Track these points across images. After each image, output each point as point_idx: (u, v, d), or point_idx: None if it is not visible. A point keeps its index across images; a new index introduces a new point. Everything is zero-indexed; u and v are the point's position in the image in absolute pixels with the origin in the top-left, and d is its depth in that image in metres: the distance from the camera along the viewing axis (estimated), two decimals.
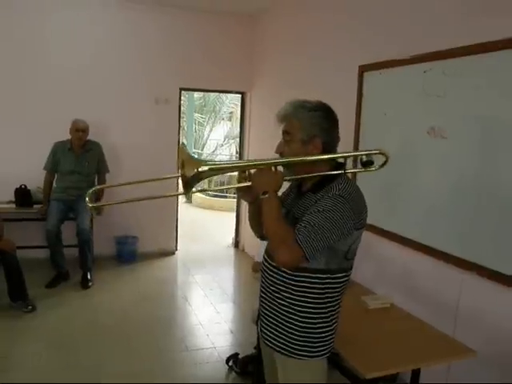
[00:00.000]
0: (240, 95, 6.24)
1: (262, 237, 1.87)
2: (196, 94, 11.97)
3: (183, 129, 12.34)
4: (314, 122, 1.67)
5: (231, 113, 13.67)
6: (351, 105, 3.63)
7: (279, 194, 1.72)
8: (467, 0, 2.65)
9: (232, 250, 6.39)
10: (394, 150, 3.21)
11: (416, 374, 2.10)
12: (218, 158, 12.20)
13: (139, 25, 5.47)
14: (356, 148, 3.60)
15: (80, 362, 3.28)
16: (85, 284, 4.64)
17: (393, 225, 3.24)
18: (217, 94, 11.25)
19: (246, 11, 5.63)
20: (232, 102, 12.34)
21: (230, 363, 3.28)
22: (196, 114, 12.50)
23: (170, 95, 5.67)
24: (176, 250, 6.05)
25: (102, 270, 5.14)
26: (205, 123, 12.76)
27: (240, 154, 6.47)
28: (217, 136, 13.20)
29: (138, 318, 4.04)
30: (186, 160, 1.64)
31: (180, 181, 1.64)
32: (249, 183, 1.71)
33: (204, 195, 9.30)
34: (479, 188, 2.55)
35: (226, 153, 12.98)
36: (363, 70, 3.55)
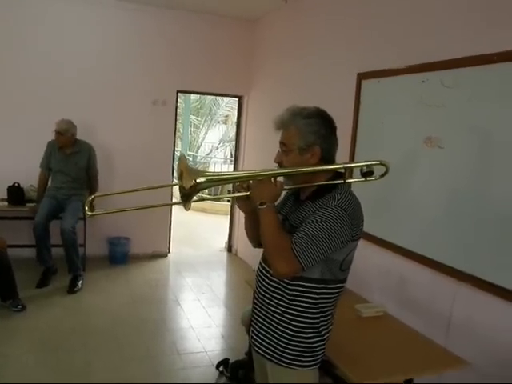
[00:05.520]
0: (237, 99, 6.24)
1: (258, 245, 1.86)
2: (193, 97, 11.95)
3: (179, 131, 12.34)
4: (311, 130, 1.66)
5: (227, 116, 13.66)
6: (348, 112, 3.63)
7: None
8: (467, 11, 2.66)
9: (225, 254, 6.37)
10: (391, 160, 3.20)
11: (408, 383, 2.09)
12: (212, 161, 12.19)
13: (138, 26, 5.45)
14: (352, 157, 3.61)
15: (69, 363, 3.24)
16: (71, 289, 4.50)
17: (388, 234, 3.24)
18: (213, 96, 11.23)
19: (246, 16, 5.64)
20: (228, 105, 12.34)
21: (221, 368, 3.26)
22: (192, 116, 12.47)
23: (167, 97, 5.65)
24: (168, 252, 6.02)
25: (93, 270, 5.11)
26: (200, 125, 12.74)
27: (235, 157, 6.46)
28: (212, 139, 13.18)
29: (129, 320, 4.01)
30: (184, 171, 1.61)
31: (178, 191, 1.62)
32: (247, 193, 1.69)
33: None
34: (475, 199, 2.55)
35: (221, 156, 12.96)
36: (361, 77, 3.56)
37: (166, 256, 5.96)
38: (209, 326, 4.06)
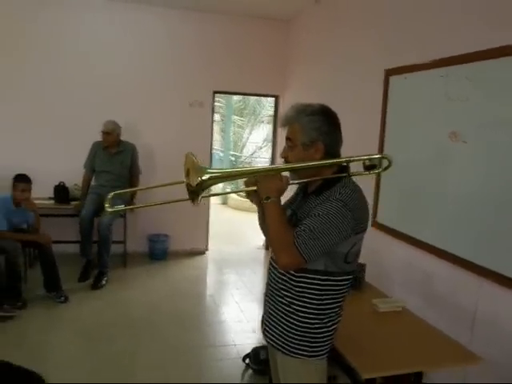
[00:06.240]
0: (273, 98, 6.30)
1: None
2: (236, 97, 12.08)
3: (223, 131, 12.52)
4: (314, 126, 1.70)
5: (271, 116, 13.70)
6: (377, 108, 3.63)
7: (287, 197, 1.76)
8: (491, 4, 2.61)
9: (262, 252, 6.45)
10: (417, 154, 3.20)
11: (419, 377, 2.09)
12: (257, 161, 12.28)
13: (174, 29, 5.64)
14: (381, 151, 3.60)
15: (108, 351, 3.43)
16: (95, 284, 4.63)
17: (411, 228, 3.22)
18: (257, 97, 11.31)
19: (279, 16, 5.71)
20: (272, 105, 12.38)
21: (247, 361, 3.34)
22: (235, 117, 12.61)
23: (203, 98, 5.81)
24: (206, 249, 6.17)
25: (134, 266, 5.35)
26: (244, 126, 12.87)
27: (272, 156, 6.52)
28: (256, 139, 13.28)
29: (166, 313, 4.17)
30: (190, 168, 1.64)
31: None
32: (254, 188, 1.73)
33: (240, 197, 9.38)
34: (500, 194, 2.50)
35: (265, 156, 13.03)
36: (389, 74, 3.55)
37: (204, 253, 6.11)
38: (240, 320, 4.16)
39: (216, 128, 12.61)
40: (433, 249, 2.97)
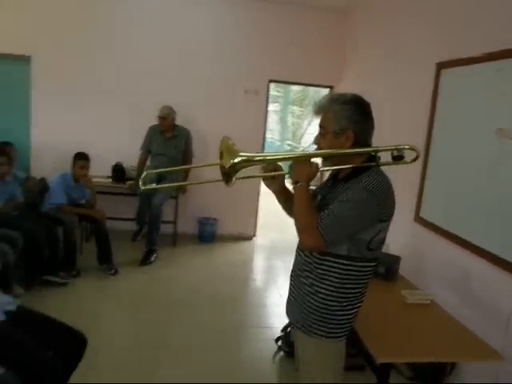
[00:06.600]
0: (328, 89, 6.28)
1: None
2: (295, 87, 12.10)
3: (281, 121, 12.59)
4: (345, 115, 1.74)
5: None
6: (426, 102, 3.57)
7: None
8: None
9: None
10: (465, 150, 3.13)
11: (438, 369, 2.09)
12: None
13: (232, 18, 5.75)
14: (428, 145, 3.54)
15: (150, 322, 3.68)
16: (143, 261, 4.88)
17: (456, 226, 3.16)
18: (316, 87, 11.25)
19: (336, 6, 5.67)
20: None
21: (279, 343, 3.43)
22: (294, 107, 12.65)
23: (258, 86, 5.90)
24: (254, 235, 6.30)
25: (182, 246, 5.59)
26: (303, 116, 12.87)
27: None
28: (315, 129, 13.24)
29: (208, 293, 4.34)
30: (224, 151, 1.75)
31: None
32: (281, 172, 1.82)
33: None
34: None
35: None
36: (440, 67, 3.47)
37: (251, 239, 6.24)
38: (279, 304, 4.25)
39: (275, 117, 12.70)
40: (476, 248, 2.90)
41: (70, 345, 2.24)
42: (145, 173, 2.01)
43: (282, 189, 1.95)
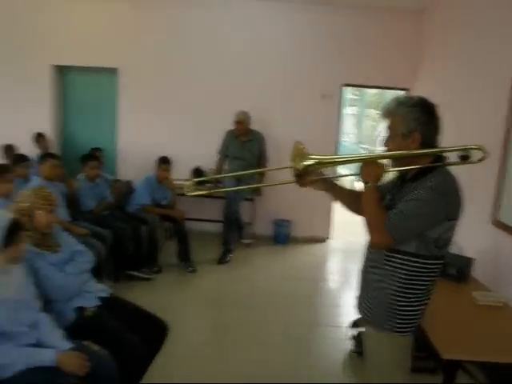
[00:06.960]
0: (404, 91, 6.17)
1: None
2: (372, 91, 11.95)
3: (358, 124, 12.48)
4: (413, 117, 1.79)
5: None
6: (502, 113, 3.42)
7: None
8: None
9: None
10: None
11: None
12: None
13: (307, 24, 5.86)
14: (505, 156, 3.39)
15: (223, 317, 3.89)
16: (221, 260, 5.12)
17: None
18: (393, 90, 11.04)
19: (411, 7, 5.59)
20: None
21: (350, 344, 3.46)
22: (371, 110, 12.48)
23: (332, 91, 5.94)
24: (327, 237, 6.32)
25: (258, 247, 5.77)
26: (380, 119, 12.65)
27: None
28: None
29: (281, 293, 4.46)
30: (296, 155, 1.86)
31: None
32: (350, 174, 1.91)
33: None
34: None
35: None
36: None
37: (325, 241, 6.27)
38: (352, 306, 4.26)
39: (352, 121, 12.62)
40: None
41: (153, 331, 2.45)
42: (195, 180, 2.14)
43: (330, 188, 2.03)
